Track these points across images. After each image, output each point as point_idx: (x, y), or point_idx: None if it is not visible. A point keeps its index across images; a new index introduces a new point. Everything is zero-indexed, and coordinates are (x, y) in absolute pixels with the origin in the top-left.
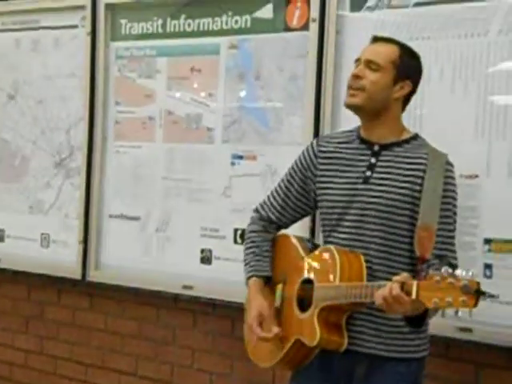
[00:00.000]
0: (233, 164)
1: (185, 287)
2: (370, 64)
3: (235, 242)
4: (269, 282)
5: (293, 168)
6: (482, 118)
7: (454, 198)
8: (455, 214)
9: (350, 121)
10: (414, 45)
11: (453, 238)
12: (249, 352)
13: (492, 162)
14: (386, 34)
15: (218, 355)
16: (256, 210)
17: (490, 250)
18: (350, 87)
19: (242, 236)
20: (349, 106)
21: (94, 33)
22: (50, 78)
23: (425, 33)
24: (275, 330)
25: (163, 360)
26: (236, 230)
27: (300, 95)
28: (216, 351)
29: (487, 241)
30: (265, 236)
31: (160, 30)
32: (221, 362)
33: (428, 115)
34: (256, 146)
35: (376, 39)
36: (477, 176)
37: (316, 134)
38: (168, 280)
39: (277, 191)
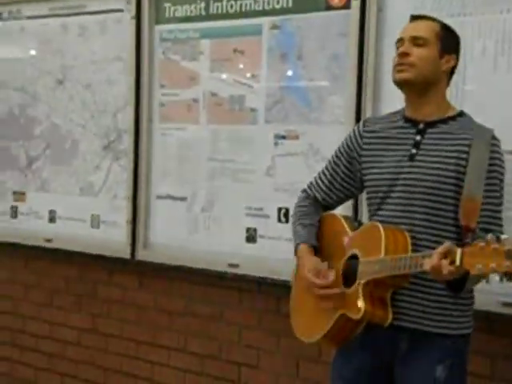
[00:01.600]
0: (276, 144)
1: (230, 265)
2: (415, 40)
3: (279, 220)
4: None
5: (339, 150)
6: None
7: (501, 173)
8: (502, 188)
9: (392, 99)
10: (455, 21)
11: (499, 212)
12: (294, 328)
13: None
14: (426, 11)
15: (264, 332)
16: (303, 191)
17: None
18: (397, 65)
19: (285, 215)
20: (399, 82)
21: (138, 16)
22: (96, 63)
23: (466, 9)
24: (331, 276)
25: (211, 336)
26: (280, 209)
27: (342, 74)
28: (262, 328)
29: None
30: (313, 211)
31: (203, 12)
32: (267, 339)
33: (471, 92)
34: (298, 126)
35: (414, 18)
36: None
37: (358, 113)
38: (214, 258)
39: (323, 172)
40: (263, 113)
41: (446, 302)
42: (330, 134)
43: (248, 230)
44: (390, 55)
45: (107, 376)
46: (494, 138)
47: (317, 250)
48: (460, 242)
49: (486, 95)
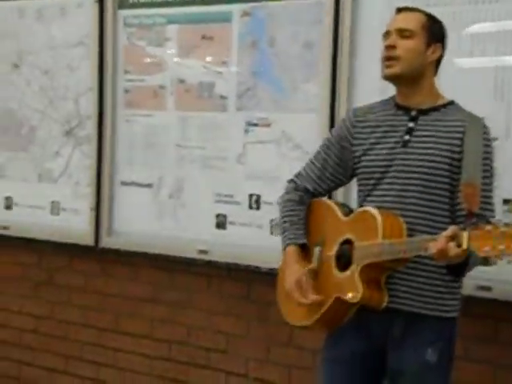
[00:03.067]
0: (247, 131)
1: (200, 252)
2: (402, 32)
3: (250, 207)
4: (304, 248)
5: (328, 140)
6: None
7: (491, 160)
8: (492, 174)
9: (367, 87)
10: (432, 11)
11: (491, 197)
12: (283, 313)
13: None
14: (403, 1)
15: (234, 317)
16: (291, 181)
17: (509, 211)
18: (385, 59)
19: (256, 201)
20: (387, 77)
21: (101, 1)
22: (56, 48)
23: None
24: (312, 296)
25: (178, 322)
26: (251, 196)
27: (315, 62)
28: (231, 314)
29: (506, 201)
30: (301, 205)
31: None
32: (236, 324)
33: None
34: (270, 114)
35: (400, 10)
36: (496, 139)
37: (332, 101)
38: (183, 245)
39: (313, 162)
40: (234, 100)
41: (439, 285)
42: (303, 122)
43: (218, 216)
44: (364, 43)
45: (68, 363)
46: (484, 126)
47: (305, 246)
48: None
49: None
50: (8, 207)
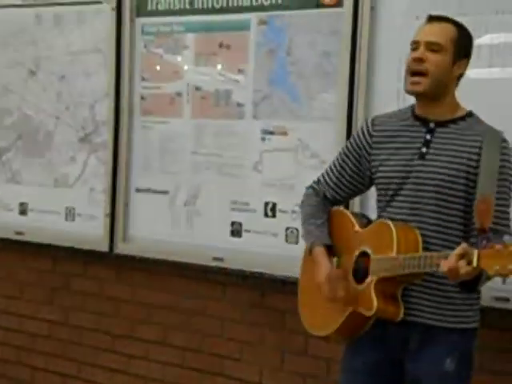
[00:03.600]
0: (263, 139)
1: (215, 259)
2: (431, 46)
3: (266, 215)
4: (329, 252)
5: (347, 148)
6: None
7: (510, 175)
8: (510, 189)
9: (385, 96)
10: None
11: (508, 213)
12: (303, 321)
13: None
14: (421, 9)
15: (248, 325)
16: (310, 187)
17: None
18: (411, 72)
19: (272, 209)
20: (411, 94)
21: (119, 8)
22: (72, 54)
23: (462, 9)
24: (341, 293)
25: (193, 330)
26: (266, 204)
27: (332, 71)
28: (246, 321)
29: None
30: (322, 208)
31: (188, 6)
32: (251, 332)
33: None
34: (287, 122)
35: (431, 19)
36: None
37: (350, 110)
38: (198, 252)
39: (331, 169)
40: (250, 108)
41: (455, 297)
42: (320, 131)
43: (233, 223)
44: (382, 53)
45: (81, 369)
46: (503, 140)
47: (330, 248)
48: (467, 239)
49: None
50: (23, 212)
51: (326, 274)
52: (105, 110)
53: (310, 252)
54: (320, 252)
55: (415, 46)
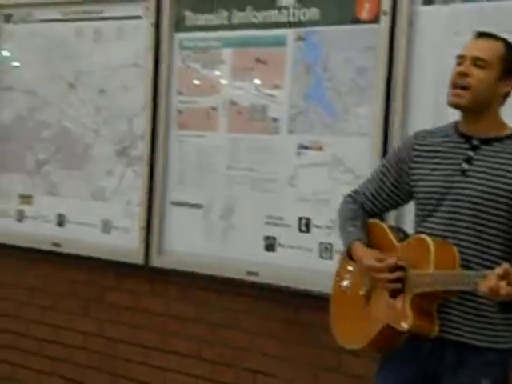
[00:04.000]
0: (298, 154)
1: (249, 273)
2: (476, 61)
3: (300, 230)
4: None
5: (387, 161)
6: None
7: None
8: None
9: (422, 112)
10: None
11: None
12: (335, 334)
13: None
14: (459, 27)
15: (281, 340)
16: (349, 196)
17: None
18: (454, 85)
19: (306, 225)
20: (453, 106)
21: (157, 24)
22: (111, 68)
23: (502, 26)
24: (392, 259)
25: (225, 343)
26: (301, 219)
27: (368, 87)
28: (278, 337)
29: None
30: (361, 214)
31: (225, 22)
32: (283, 348)
33: None
34: (322, 137)
35: (479, 35)
36: None
37: (386, 125)
38: (231, 266)
39: (370, 181)
40: (286, 123)
41: (492, 316)
42: (355, 146)
43: (267, 238)
44: (419, 68)
45: (115, 381)
46: None
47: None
48: (508, 260)
49: None
50: (60, 224)
51: (375, 258)
52: (142, 123)
53: (347, 254)
54: (360, 245)
55: (461, 60)
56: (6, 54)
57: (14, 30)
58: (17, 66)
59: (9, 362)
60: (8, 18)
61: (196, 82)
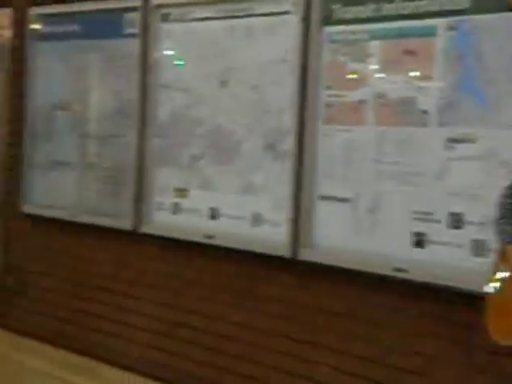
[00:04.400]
0: (449, 147)
1: (396, 270)
2: None
3: (451, 226)
4: None
5: None
6: None
7: None
8: None
9: None
10: None
11: None
12: (494, 330)
13: None
14: None
15: (432, 339)
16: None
17: None
18: None
19: (458, 221)
20: None
21: (306, 18)
22: (262, 64)
23: None
24: None
25: (373, 340)
26: (452, 215)
27: None
28: (430, 335)
29: None
30: None
31: (374, 14)
32: (435, 347)
33: None
34: (475, 129)
35: None
36: None
37: None
38: (379, 262)
39: None
40: (435, 115)
41: None
42: (511, 138)
43: (416, 234)
44: None
45: (265, 372)
46: None
47: None
48: None
49: None
50: (213, 217)
51: None
52: (290, 118)
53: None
54: None
55: None
56: (163, 53)
57: (170, 29)
58: (173, 65)
59: (166, 351)
60: (166, 17)
61: (344, 75)
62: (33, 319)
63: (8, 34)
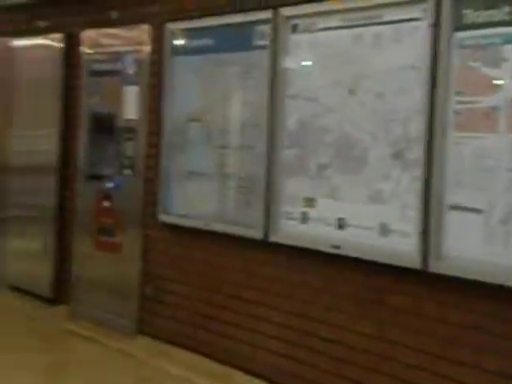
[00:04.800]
0: None
1: None
2: None
3: None
4: None
5: None
6: None
7: None
8: None
9: None
10: None
11: None
12: None
13: None
14: None
15: None
16: None
17: None
18: None
19: None
20: None
21: (436, 24)
22: (389, 71)
23: None
24: None
25: (504, 354)
26: None
27: None
28: None
29: None
30: None
31: (508, 17)
32: None
33: None
34: None
35: None
36: None
37: None
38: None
39: None
40: None
41: None
42: None
43: None
44: None
45: None
46: None
47: None
48: None
49: None
50: (341, 227)
51: None
52: (417, 126)
53: None
54: None
55: None
56: (292, 63)
57: (299, 39)
58: (301, 75)
59: (295, 359)
60: (294, 29)
61: (476, 81)
62: (169, 325)
63: (147, 49)
